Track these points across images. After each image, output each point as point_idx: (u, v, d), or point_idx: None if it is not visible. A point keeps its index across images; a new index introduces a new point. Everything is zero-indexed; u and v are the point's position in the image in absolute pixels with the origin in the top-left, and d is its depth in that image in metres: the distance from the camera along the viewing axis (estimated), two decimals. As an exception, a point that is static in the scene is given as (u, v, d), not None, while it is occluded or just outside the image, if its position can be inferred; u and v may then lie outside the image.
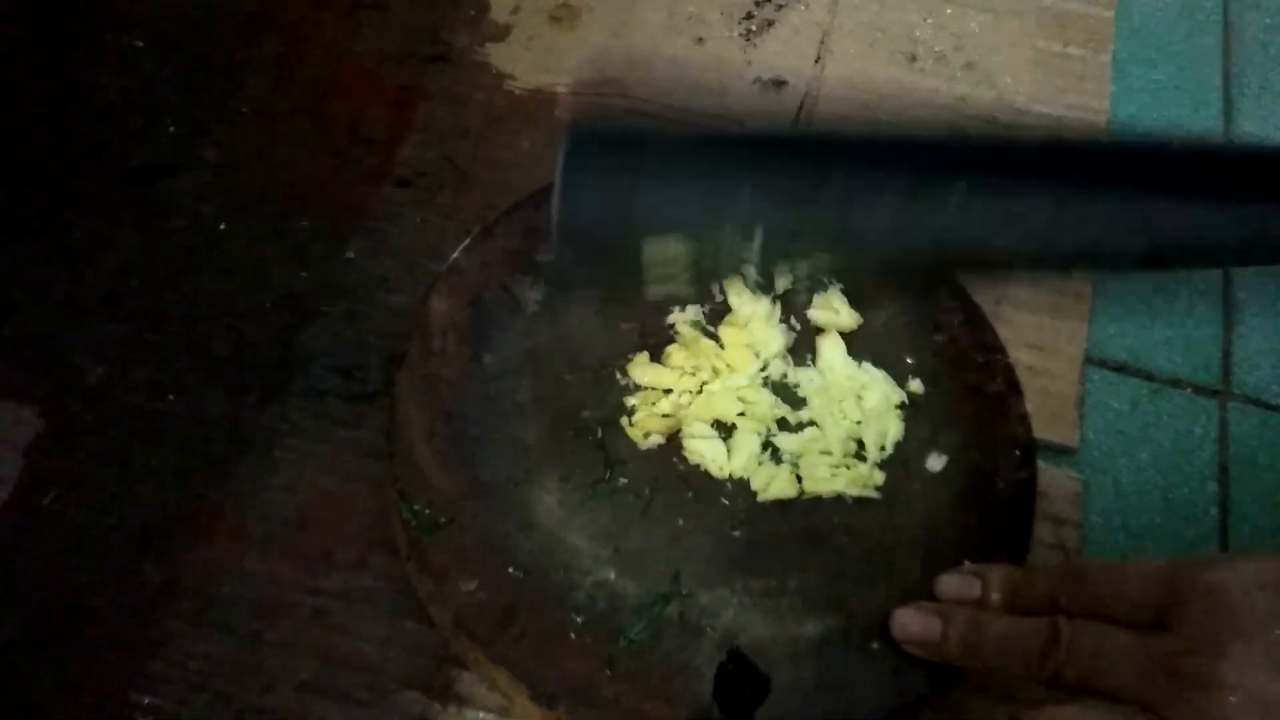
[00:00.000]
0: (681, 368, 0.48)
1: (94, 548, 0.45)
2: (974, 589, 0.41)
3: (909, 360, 0.49)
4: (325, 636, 0.44)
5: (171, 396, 0.49)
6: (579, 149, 0.41)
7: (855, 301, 0.50)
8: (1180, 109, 0.62)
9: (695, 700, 0.40)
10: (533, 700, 0.39)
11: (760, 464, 0.46)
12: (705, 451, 0.46)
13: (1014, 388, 0.48)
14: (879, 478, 0.46)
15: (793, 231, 0.45)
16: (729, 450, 0.46)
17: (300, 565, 0.45)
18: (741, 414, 0.47)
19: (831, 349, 0.49)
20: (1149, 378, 0.53)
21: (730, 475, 0.46)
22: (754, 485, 0.46)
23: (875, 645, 0.42)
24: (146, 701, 0.42)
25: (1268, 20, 0.66)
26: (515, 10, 0.61)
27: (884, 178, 0.42)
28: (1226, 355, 0.54)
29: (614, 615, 0.42)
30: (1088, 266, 0.51)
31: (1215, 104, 0.62)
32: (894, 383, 0.48)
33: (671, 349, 0.48)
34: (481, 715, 0.42)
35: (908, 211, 0.45)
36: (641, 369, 0.47)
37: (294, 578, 0.45)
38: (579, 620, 0.41)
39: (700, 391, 0.47)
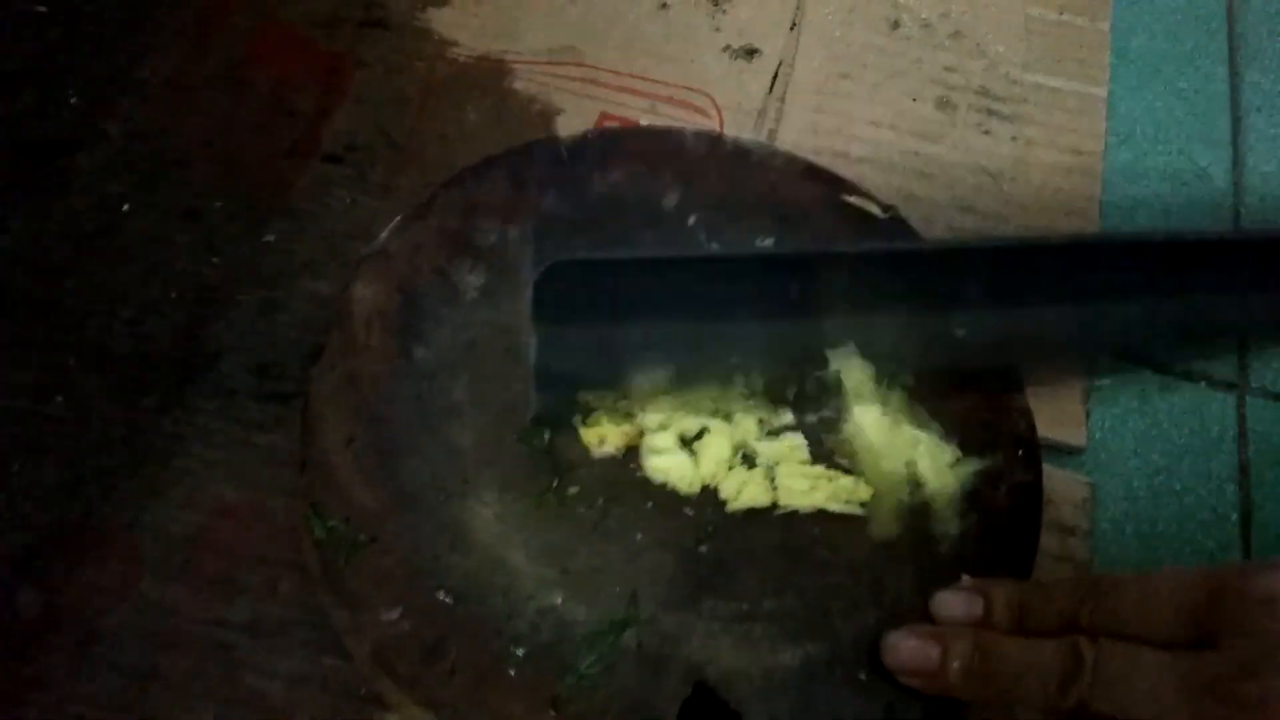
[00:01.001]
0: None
1: (-38, 574, 0.39)
2: (976, 608, 0.35)
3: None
4: (228, 674, 0.38)
5: (59, 399, 0.43)
6: (550, 292, 0.39)
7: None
8: (1185, 78, 0.57)
9: (653, 743, 0.35)
10: (466, 748, 0.34)
11: (731, 469, 0.40)
12: (670, 469, 0.40)
13: (1013, 379, 0.43)
14: (865, 493, 0.40)
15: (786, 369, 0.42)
16: (695, 453, 0.40)
17: (201, 592, 0.39)
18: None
19: (863, 414, 0.42)
20: (1160, 370, 0.48)
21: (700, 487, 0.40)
22: (723, 494, 0.40)
23: (863, 676, 0.36)
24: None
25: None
26: (460, -28, 0.55)
27: (881, 299, 0.39)
28: (1243, 345, 0.49)
29: (561, 646, 0.36)
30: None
31: (1221, 72, 0.57)
32: (944, 441, 0.41)
33: None
34: (407, 765, 0.36)
35: (911, 335, 0.42)
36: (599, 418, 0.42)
37: (193, 606, 0.39)
38: (519, 653, 0.36)
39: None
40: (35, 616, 0.39)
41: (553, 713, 0.34)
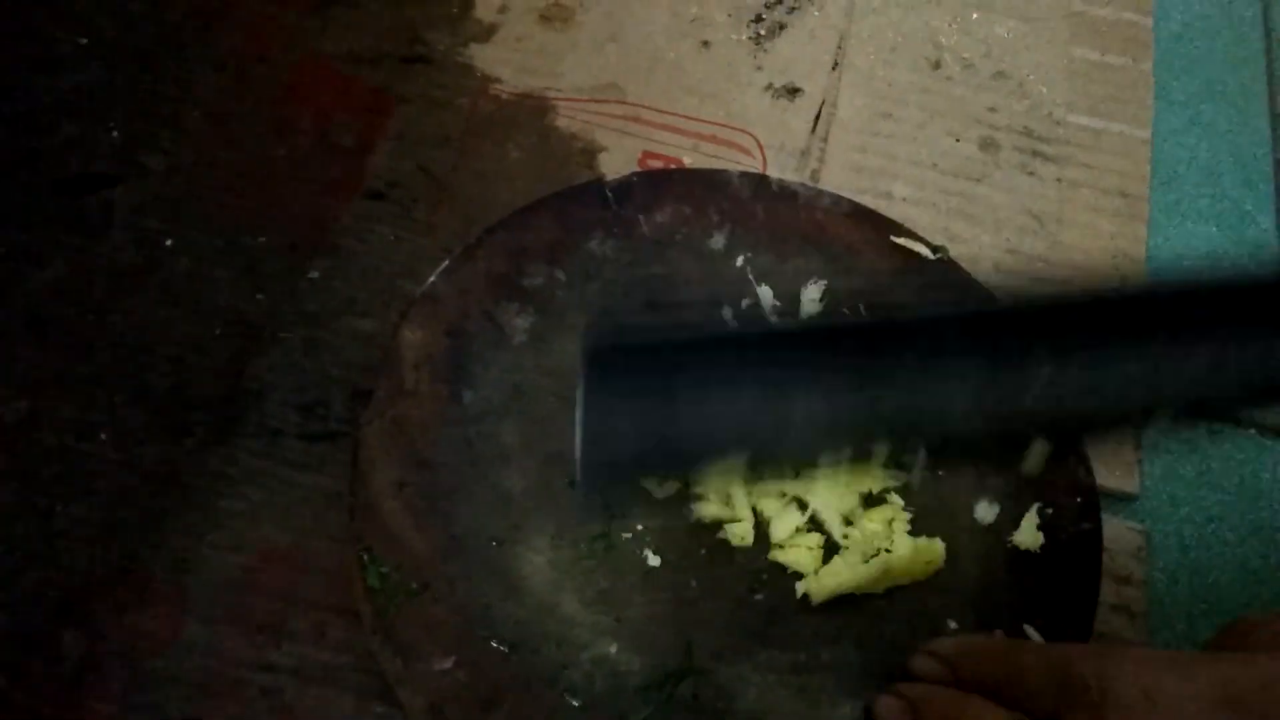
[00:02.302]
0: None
1: (8, 615, 0.39)
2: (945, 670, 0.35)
3: (948, 396, 0.43)
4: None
5: (103, 437, 0.42)
6: (601, 369, 0.35)
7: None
8: (1226, 120, 0.56)
9: (713, 801, 0.34)
10: (522, 804, 0.33)
11: (785, 508, 0.40)
12: (721, 515, 0.39)
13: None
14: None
15: (855, 427, 0.40)
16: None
17: (247, 636, 0.39)
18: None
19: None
20: (1216, 419, 0.47)
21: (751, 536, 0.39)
22: (774, 537, 0.39)
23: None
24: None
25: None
26: (503, 9, 0.55)
27: (953, 363, 0.37)
28: (1292, 391, 0.49)
29: (616, 698, 0.35)
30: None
31: (1261, 114, 0.57)
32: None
33: None
34: (459, 818, 0.35)
35: (986, 395, 0.40)
36: None
37: (240, 651, 0.38)
38: (575, 704, 0.35)
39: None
40: (79, 661, 0.38)
41: (612, 767, 0.34)
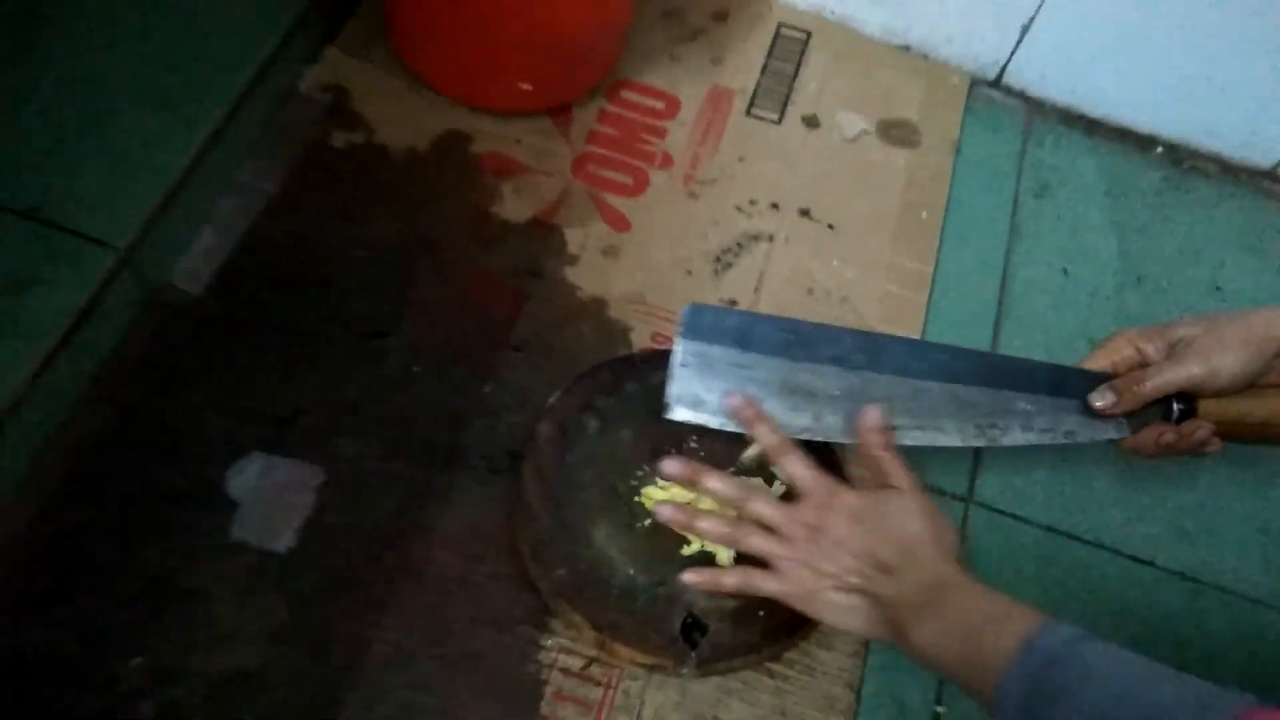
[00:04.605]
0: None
1: (358, 545, 0.85)
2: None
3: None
4: (481, 595, 0.84)
5: (392, 465, 0.89)
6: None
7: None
8: (967, 328, 1.05)
9: (670, 634, 0.81)
10: (593, 629, 0.80)
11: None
12: (697, 546, 0.87)
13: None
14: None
15: None
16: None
17: (465, 559, 0.85)
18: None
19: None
20: (938, 492, 0.95)
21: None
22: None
23: (761, 613, 0.83)
24: (383, 634, 0.82)
25: (1029, 277, 1.10)
26: (583, 247, 1.03)
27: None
28: (973, 477, 0.97)
29: (632, 592, 0.83)
30: None
31: (988, 328, 1.06)
32: None
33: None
34: (561, 640, 0.83)
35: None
36: (651, 490, 0.89)
37: (463, 565, 0.85)
38: (615, 593, 0.82)
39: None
40: (392, 565, 0.85)
41: (630, 616, 0.81)
